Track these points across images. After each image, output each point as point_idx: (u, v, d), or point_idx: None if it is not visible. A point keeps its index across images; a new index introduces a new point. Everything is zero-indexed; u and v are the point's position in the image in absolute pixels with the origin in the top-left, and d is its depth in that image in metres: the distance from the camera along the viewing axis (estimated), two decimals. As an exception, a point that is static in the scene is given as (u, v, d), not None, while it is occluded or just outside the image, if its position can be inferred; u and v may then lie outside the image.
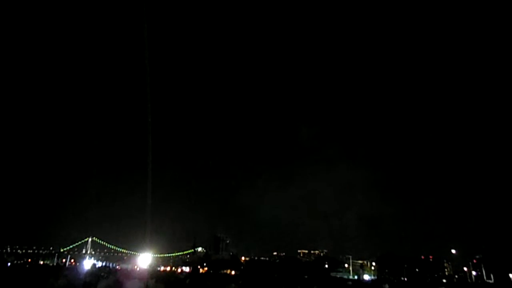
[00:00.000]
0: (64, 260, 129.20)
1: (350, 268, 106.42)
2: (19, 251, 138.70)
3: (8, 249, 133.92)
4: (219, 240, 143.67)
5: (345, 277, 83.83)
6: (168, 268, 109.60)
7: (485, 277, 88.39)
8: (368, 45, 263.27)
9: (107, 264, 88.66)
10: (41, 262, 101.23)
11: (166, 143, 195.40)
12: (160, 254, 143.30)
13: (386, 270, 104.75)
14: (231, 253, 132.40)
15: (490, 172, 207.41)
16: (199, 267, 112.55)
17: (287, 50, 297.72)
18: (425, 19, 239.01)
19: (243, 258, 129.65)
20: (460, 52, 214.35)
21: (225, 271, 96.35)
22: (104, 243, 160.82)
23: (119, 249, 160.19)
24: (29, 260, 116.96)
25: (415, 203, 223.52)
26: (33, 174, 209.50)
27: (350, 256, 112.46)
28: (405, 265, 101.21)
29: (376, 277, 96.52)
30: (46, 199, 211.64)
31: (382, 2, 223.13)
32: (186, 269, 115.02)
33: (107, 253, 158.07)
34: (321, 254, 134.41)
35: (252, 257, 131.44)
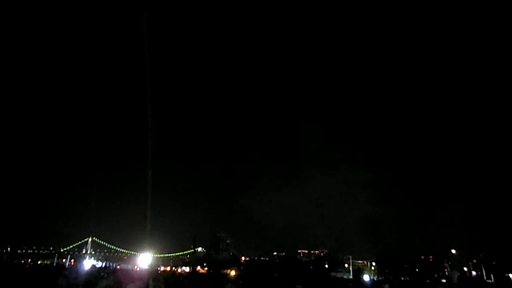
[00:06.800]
0: (64, 260, 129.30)
1: (350, 268, 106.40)
2: (19, 251, 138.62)
3: (8, 249, 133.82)
4: (219, 240, 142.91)
5: (345, 277, 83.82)
6: (168, 268, 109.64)
7: (485, 277, 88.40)
8: (370, 46, 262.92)
9: (107, 264, 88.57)
10: (40, 262, 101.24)
11: (167, 143, 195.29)
12: (160, 254, 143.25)
13: (386, 270, 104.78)
14: (231, 253, 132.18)
15: (490, 173, 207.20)
16: (199, 267, 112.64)
17: (289, 50, 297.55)
18: (426, 23, 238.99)
19: (243, 258, 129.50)
20: (460, 54, 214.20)
21: (225, 271, 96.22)
22: (104, 243, 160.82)
23: (119, 249, 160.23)
24: (29, 260, 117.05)
25: (415, 203, 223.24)
26: (33, 173, 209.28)
27: (350, 256, 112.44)
28: (405, 265, 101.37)
29: (376, 277, 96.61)
30: (46, 199, 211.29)
31: (383, 4, 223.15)
32: (186, 269, 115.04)
33: (107, 253, 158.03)
34: (321, 254, 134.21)
35: (252, 257, 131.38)
